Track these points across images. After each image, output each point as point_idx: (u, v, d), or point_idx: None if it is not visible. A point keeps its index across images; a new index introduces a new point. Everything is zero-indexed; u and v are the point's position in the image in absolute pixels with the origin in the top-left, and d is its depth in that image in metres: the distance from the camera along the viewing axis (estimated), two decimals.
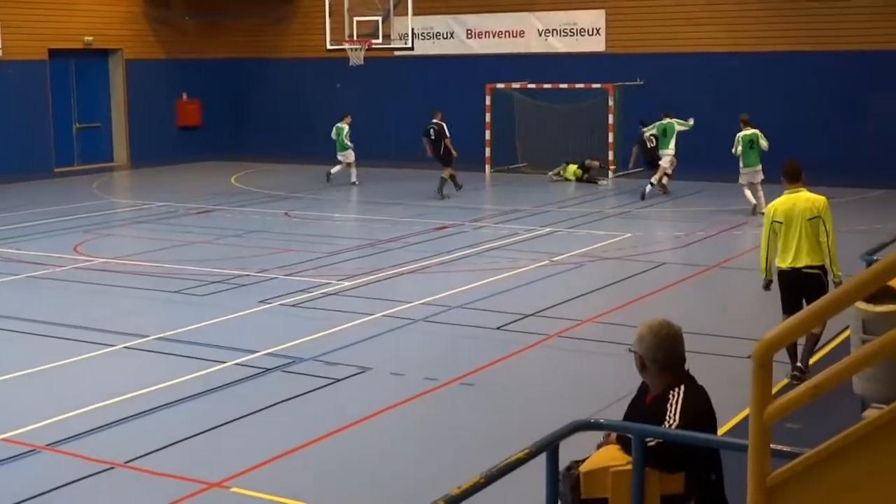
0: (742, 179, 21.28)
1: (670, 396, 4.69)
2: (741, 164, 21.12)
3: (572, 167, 27.53)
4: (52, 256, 17.58)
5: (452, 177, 24.69)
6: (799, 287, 10.22)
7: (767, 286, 10.65)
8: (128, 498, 7.93)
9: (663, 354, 4.83)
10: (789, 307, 10.20)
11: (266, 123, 34.46)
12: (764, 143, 20.99)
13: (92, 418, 9.55)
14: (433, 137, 24.85)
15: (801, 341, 10.18)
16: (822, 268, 10.27)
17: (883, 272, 3.19)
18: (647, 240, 18.71)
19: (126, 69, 32.82)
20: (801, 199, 10.32)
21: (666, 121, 23.98)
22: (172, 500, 7.77)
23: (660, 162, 24.00)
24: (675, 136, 23.77)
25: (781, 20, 27.40)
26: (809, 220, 10.20)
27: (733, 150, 21.22)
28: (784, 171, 10.49)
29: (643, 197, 23.59)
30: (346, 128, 27.15)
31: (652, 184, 23.81)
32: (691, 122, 24.11)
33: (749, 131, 21.12)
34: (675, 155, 23.96)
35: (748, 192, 21.15)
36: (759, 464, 3.26)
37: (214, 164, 33.04)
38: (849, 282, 3.23)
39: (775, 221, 10.30)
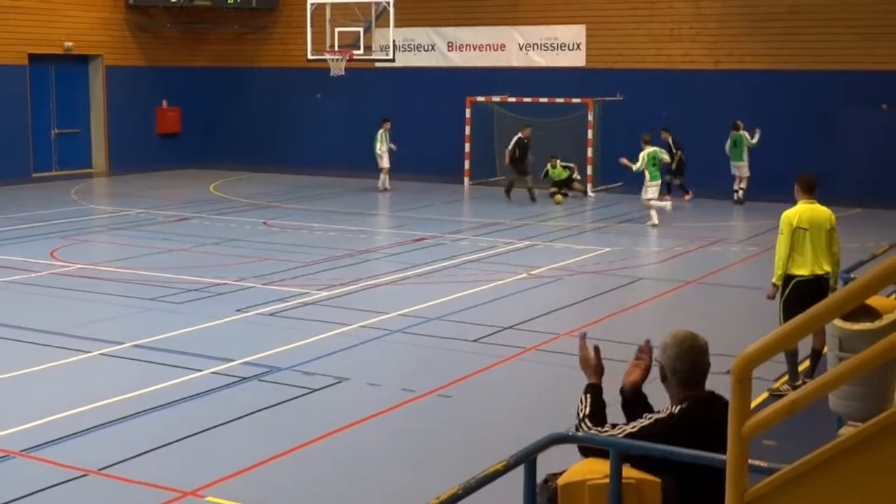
0: (649, 194, 22.55)
1: (669, 409, 4.69)
2: (648, 180, 22.44)
3: (559, 169, 26.83)
4: (28, 262, 17.49)
5: (531, 190, 25.75)
6: (819, 295, 10.21)
7: (775, 295, 10.68)
8: None
9: (683, 366, 4.78)
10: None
11: (246, 132, 34.43)
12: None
13: (66, 424, 9.50)
14: (520, 153, 25.46)
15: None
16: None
17: (860, 290, 3.21)
18: (626, 254, 18.76)
19: (106, 75, 32.73)
20: (819, 210, 10.44)
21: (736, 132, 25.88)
22: None
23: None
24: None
25: (761, 38, 27.60)
26: (828, 230, 10.35)
27: (635, 167, 22.51)
28: (802, 182, 10.55)
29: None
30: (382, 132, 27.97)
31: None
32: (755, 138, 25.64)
33: (651, 149, 22.64)
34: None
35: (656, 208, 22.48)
36: (738, 478, 3.28)
37: (193, 172, 32.98)
38: (827, 299, 3.25)
39: (800, 228, 10.32)
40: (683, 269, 17.46)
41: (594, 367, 5.09)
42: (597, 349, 5.13)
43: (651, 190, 22.47)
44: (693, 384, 4.82)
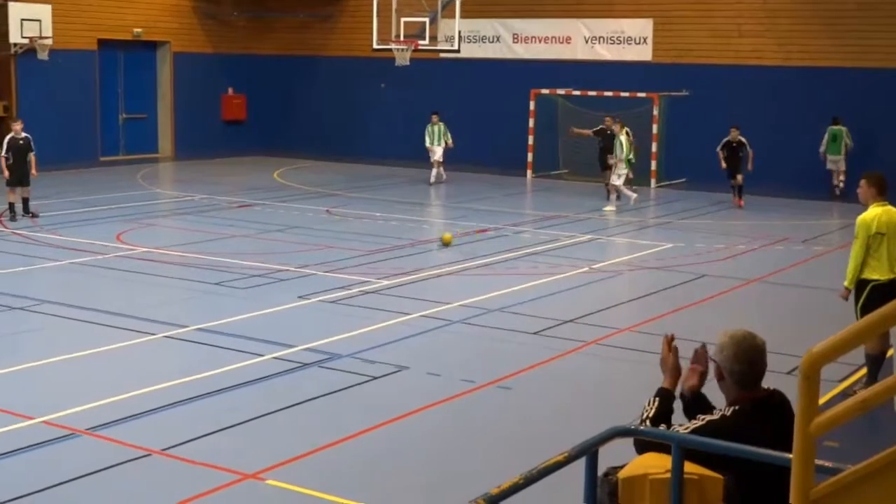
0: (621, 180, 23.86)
1: (722, 412, 4.66)
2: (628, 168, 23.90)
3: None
4: (95, 244, 17.74)
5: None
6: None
7: (847, 297, 10.57)
8: (164, 485, 7.99)
9: (740, 367, 4.73)
10: None
11: (310, 120, 34.61)
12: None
13: (131, 405, 9.64)
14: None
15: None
16: None
17: None
18: (688, 250, 18.64)
19: (173, 62, 33.08)
20: (893, 212, 10.29)
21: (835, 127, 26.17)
22: (208, 490, 7.83)
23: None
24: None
25: (833, 35, 27.22)
26: None
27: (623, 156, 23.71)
28: (874, 182, 10.37)
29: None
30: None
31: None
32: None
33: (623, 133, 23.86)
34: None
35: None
36: (804, 476, 3.26)
37: (257, 159, 33.23)
38: None
39: (878, 233, 10.20)
40: (747, 267, 17.30)
41: (671, 369, 5.01)
42: (675, 349, 5.06)
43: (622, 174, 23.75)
44: (750, 384, 4.76)
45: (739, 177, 24.30)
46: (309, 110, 34.70)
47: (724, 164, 24.53)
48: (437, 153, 27.74)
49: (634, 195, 24.09)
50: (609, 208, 23.42)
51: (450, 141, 27.88)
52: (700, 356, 5.03)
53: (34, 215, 20.34)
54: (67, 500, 7.72)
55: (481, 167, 29.97)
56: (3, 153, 20.24)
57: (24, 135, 20.43)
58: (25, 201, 20.41)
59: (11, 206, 20.14)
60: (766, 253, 18.78)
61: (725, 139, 24.46)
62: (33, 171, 20.40)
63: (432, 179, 27.58)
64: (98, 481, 7.99)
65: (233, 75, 34.54)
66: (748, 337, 4.79)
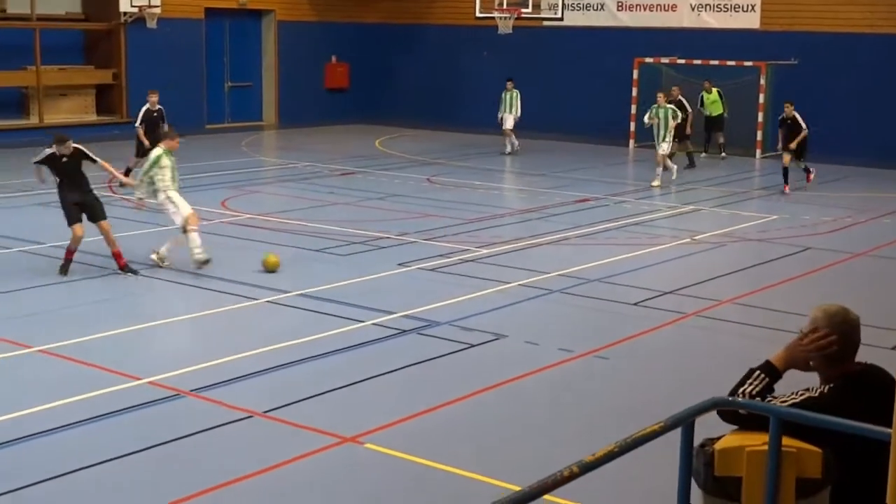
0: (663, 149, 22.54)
1: (819, 388, 4.58)
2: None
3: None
4: (200, 210, 18.00)
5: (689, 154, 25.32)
6: None
7: None
8: (265, 446, 8.15)
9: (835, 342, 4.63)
10: None
11: (412, 89, 34.68)
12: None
13: (233, 368, 9.84)
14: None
15: None
16: None
17: None
18: (793, 222, 18.33)
19: (278, 30, 33.38)
20: None
21: None
22: (308, 452, 7.97)
23: None
24: None
25: None
26: None
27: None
28: None
29: None
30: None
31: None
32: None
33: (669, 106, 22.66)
34: None
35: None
36: None
37: (360, 127, 33.44)
38: None
39: None
40: (853, 241, 16.96)
41: (796, 354, 4.75)
42: (817, 346, 4.81)
43: (664, 146, 22.54)
44: (845, 360, 4.67)
45: (787, 157, 21.76)
46: (411, 79, 34.77)
47: (780, 145, 22.51)
48: (508, 122, 27.40)
49: (674, 166, 22.98)
50: (656, 183, 22.21)
51: (518, 111, 27.47)
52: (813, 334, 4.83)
53: None
54: (171, 459, 7.92)
55: (583, 136, 29.75)
56: (138, 123, 20.62)
57: (158, 106, 20.85)
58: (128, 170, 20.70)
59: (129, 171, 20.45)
60: (873, 226, 18.39)
61: (780, 116, 23.59)
62: None
63: (508, 149, 27.37)
64: (201, 442, 8.19)
65: (336, 44, 34.74)
66: (841, 312, 4.68)
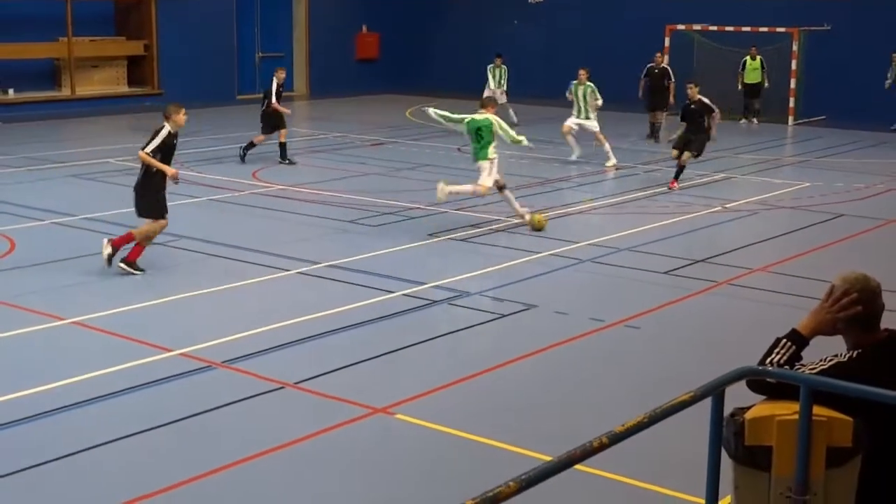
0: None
1: (848, 354, 4.56)
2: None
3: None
4: (232, 181, 18.12)
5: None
6: None
7: None
8: (297, 416, 8.19)
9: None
10: None
11: (443, 58, 34.59)
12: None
13: (264, 339, 9.88)
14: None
15: None
16: None
17: None
18: (826, 190, 18.19)
19: (309, 1, 33.32)
20: None
21: None
22: (339, 422, 8.00)
23: None
24: None
25: None
26: None
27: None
28: None
29: None
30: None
31: None
32: None
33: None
34: None
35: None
36: None
37: (390, 97, 33.38)
38: None
39: None
40: (886, 207, 16.81)
41: (824, 319, 4.73)
42: (843, 309, 4.75)
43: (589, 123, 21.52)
44: (869, 328, 4.65)
45: (687, 155, 18.24)
46: (441, 48, 34.68)
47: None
48: (502, 98, 26.72)
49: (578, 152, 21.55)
50: (610, 163, 20.67)
51: (505, 85, 26.89)
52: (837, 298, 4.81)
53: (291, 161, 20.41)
54: (203, 429, 7.98)
55: (613, 105, 29.56)
56: (273, 98, 20.31)
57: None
58: (283, 146, 20.39)
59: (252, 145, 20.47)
60: None
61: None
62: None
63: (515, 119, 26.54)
64: (232, 412, 8.24)
65: (366, 13, 34.68)
66: (861, 279, 4.66)
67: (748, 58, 27.13)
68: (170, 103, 12.60)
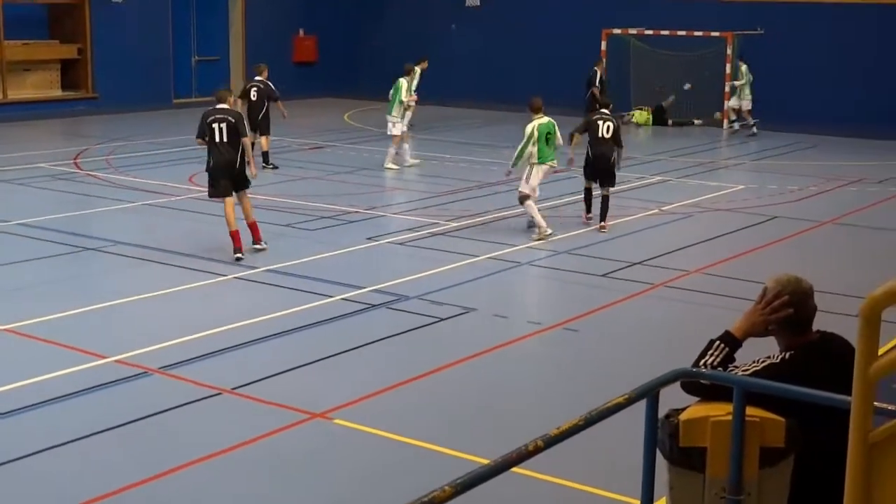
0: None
1: (780, 355, 4.62)
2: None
3: (640, 113, 28.28)
4: (168, 185, 17.96)
5: None
6: None
7: None
8: (234, 423, 8.14)
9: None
10: None
11: (381, 62, 34.49)
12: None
13: (202, 345, 9.81)
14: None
15: None
16: None
17: None
18: (760, 192, 18.41)
19: (245, 3, 33.12)
20: None
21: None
22: (278, 428, 7.96)
23: None
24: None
25: None
26: None
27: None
28: None
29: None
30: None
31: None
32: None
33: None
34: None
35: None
36: (862, 420, 3.23)
37: (328, 101, 33.29)
38: None
39: None
40: (819, 209, 17.06)
41: (756, 321, 4.78)
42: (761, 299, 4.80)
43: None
44: (800, 330, 4.71)
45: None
46: (379, 52, 34.58)
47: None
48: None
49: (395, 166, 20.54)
50: (391, 164, 20.27)
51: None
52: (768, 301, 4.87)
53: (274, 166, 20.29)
54: (139, 437, 7.89)
55: (552, 108, 29.69)
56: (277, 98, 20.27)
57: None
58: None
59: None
60: (839, 194, 18.50)
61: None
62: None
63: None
64: (169, 419, 8.16)
65: (303, 16, 34.53)
66: (793, 281, 4.73)
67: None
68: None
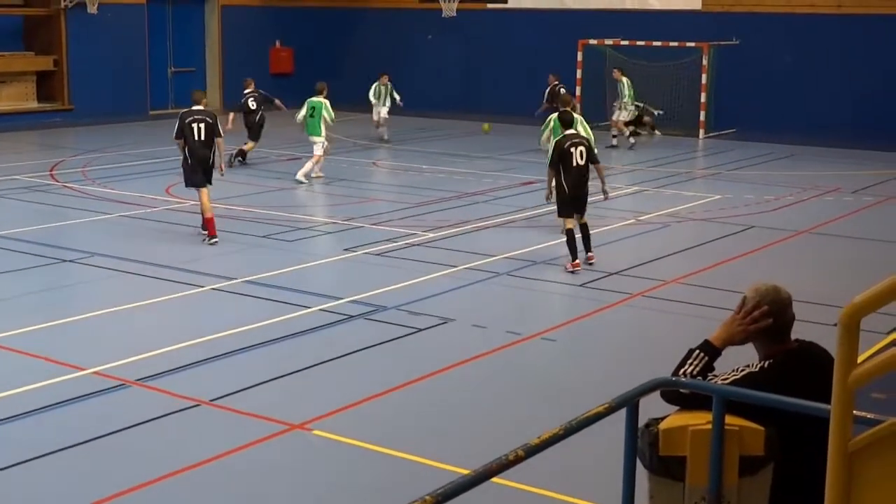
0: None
1: (759, 364, 4.63)
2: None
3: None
4: (145, 197, 17.90)
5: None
6: None
7: None
8: (213, 435, 8.11)
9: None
10: None
11: (358, 73, 34.48)
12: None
13: (179, 356, 9.77)
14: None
15: None
16: None
17: None
18: (736, 202, 18.49)
19: (221, 15, 33.09)
20: None
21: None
22: (256, 439, 7.94)
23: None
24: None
25: None
26: None
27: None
28: None
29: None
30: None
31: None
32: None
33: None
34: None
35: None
36: (842, 428, 3.25)
37: None
38: None
39: None
40: (796, 218, 17.14)
41: (735, 331, 4.78)
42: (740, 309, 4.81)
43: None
44: (779, 338, 4.73)
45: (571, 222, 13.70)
46: (356, 62, 34.58)
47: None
48: (384, 112, 26.55)
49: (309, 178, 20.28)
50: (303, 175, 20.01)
51: (398, 100, 26.42)
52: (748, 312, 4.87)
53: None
54: (117, 449, 7.85)
55: (529, 119, 29.80)
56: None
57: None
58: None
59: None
60: (815, 204, 18.60)
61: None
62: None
63: (385, 137, 26.32)
64: (147, 431, 8.13)
65: (280, 28, 34.51)
66: (772, 290, 4.75)
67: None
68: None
